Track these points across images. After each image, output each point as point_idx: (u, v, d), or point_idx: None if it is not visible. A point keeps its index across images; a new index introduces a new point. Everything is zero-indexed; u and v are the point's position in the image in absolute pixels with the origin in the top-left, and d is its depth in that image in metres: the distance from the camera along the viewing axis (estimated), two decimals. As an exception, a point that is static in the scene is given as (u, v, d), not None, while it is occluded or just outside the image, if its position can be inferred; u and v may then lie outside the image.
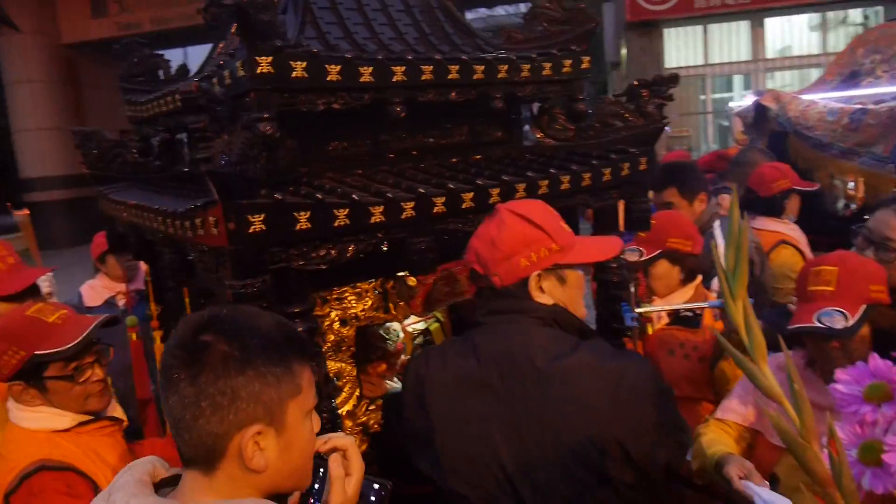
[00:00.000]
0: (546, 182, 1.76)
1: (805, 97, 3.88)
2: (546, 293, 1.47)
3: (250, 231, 1.31)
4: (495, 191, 1.66)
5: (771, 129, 4.01)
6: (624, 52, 13.08)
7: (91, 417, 1.88)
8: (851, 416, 0.58)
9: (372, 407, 1.77)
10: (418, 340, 2.54)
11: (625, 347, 2.02)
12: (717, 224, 2.93)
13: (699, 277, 2.50)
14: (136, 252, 2.21)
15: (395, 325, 2.27)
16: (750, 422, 1.86)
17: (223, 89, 1.57)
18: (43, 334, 1.82)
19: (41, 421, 1.82)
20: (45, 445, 1.78)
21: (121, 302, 3.47)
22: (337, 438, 1.13)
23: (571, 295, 1.49)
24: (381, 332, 2.16)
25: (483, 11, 23.36)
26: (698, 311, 2.39)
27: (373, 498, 1.24)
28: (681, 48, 12.91)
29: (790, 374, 0.53)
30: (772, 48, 13.19)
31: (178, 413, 0.97)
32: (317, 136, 1.70)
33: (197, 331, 0.99)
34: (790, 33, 13.15)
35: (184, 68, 2.41)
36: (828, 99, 3.68)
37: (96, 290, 3.56)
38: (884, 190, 3.04)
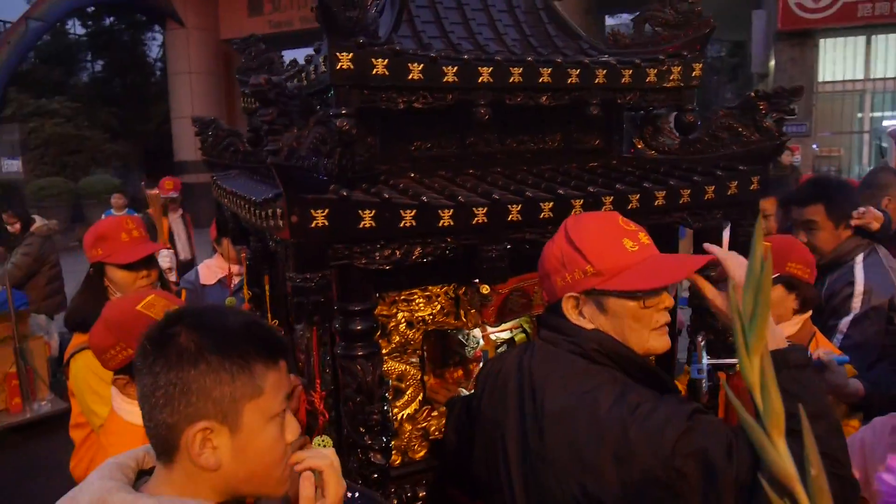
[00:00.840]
0: (637, 196, 1.64)
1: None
2: (587, 319, 1.36)
3: (312, 226, 1.31)
4: (578, 202, 1.56)
5: None
6: (772, 63, 12.25)
7: None
8: (898, 515, 0.46)
9: (434, 413, 1.72)
10: (502, 349, 2.47)
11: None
12: (859, 258, 2.64)
13: (809, 311, 2.26)
14: (234, 237, 2.29)
15: (476, 332, 2.21)
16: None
17: (307, 84, 1.58)
18: None
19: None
20: (146, 440, 1.82)
21: (234, 281, 3.67)
22: (312, 459, 1.08)
23: (620, 325, 1.33)
24: (461, 338, 2.11)
25: (625, 17, 22.77)
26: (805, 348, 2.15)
27: None
28: (837, 60, 11.90)
29: (809, 456, 0.43)
30: (946, 64, 11.87)
31: (141, 401, 1.00)
32: (399, 136, 1.68)
33: (168, 323, 1.01)
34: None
35: (294, 63, 2.48)
36: None
37: (211, 269, 3.78)
38: None
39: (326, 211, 1.32)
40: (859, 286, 2.54)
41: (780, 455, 0.45)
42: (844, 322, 2.52)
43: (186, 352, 0.97)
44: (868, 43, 11.81)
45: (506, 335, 2.46)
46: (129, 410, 1.82)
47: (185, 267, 4.95)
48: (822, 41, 11.75)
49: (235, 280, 3.63)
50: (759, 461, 1.10)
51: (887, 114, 12.84)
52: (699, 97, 2.03)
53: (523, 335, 2.47)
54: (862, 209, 2.77)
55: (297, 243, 1.32)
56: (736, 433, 1.15)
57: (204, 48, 18.06)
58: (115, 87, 22.82)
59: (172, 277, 3.98)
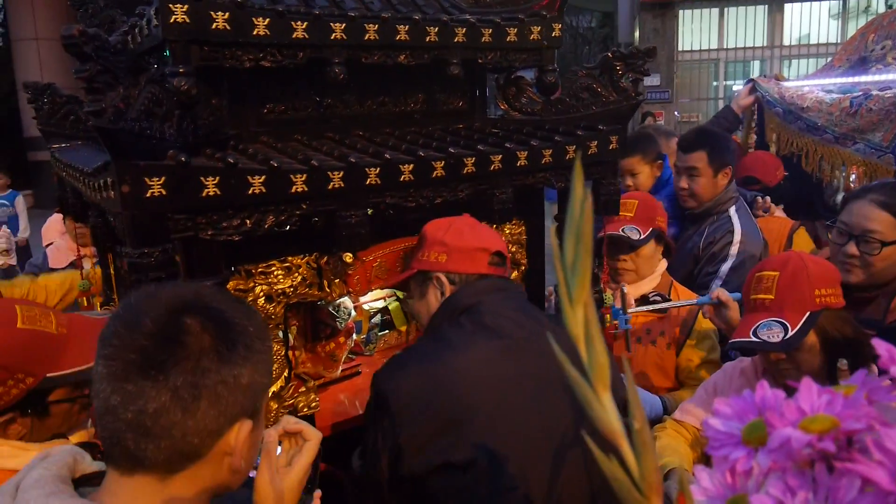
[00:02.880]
0: (499, 157, 1.62)
1: (808, 82, 3.70)
2: None
3: (148, 195, 1.19)
4: (439, 164, 1.52)
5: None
6: (637, 34, 12.79)
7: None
8: (722, 462, 0.45)
9: (303, 389, 1.65)
10: (376, 319, 2.42)
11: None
12: (733, 209, 2.78)
13: (665, 262, 2.38)
14: (75, 214, 2.09)
15: (347, 303, 2.15)
16: None
17: (141, 41, 1.43)
18: (52, 351, 1.37)
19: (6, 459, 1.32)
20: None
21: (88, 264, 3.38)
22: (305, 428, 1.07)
23: None
24: (331, 309, 2.04)
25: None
26: (666, 296, 2.26)
27: None
28: (695, 31, 12.60)
29: (633, 412, 0.40)
30: (790, 35, 12.86)
31: (154, 408, 0.81)
32: (250, 97, 1.57)
33: (176, 321, 0.84)
34: (810, 20, 12.80)
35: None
36: (833, 85, 3.50)
37: (62, 251, 3.47)
38: (882, 182, 2.87)
39: (163, 179, 1.20)
40: (738, 234, 2.69)
41: (606, 409, 0.42)
42: (724, 268, 2.65)
43: (228, 344, 0.85)
44: (721, 15, 12.57)
45: (379, 304, 2.41)
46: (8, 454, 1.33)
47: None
48: (681, 12, 12.38)
49: (91, 262, 3.36)
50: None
51: (739, 81, 13.81)
52: (570, 65, 2.06)
53: (397, 303, 2.43)
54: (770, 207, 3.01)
55: (131, 215, 1.20)
56: None
57: (52, 11, 16.48)
58: (-53, 55, 20.46)
59: (12, 261, 3.62)
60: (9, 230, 3.59)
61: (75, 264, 3.38)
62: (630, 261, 2.30)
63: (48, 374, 1.34)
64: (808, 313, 1.53)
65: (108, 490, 0.87)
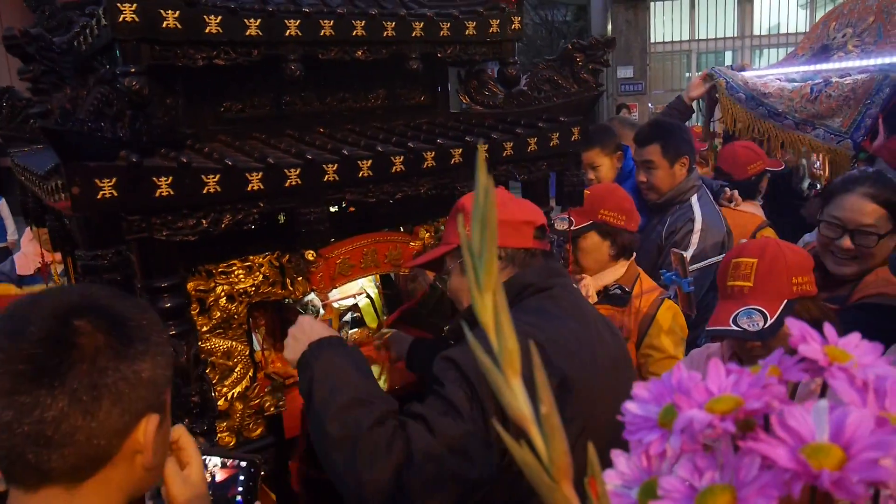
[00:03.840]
0: (459, 151, 1.62)
1: (771, 71, 3.75)
2: None
3: (99, 197, 1.17)
4: (398, 159, 1.52)
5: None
6: (610, 26, 12.85)
7: None
8: (638, 446, 0.45)
9: (268, 388, 1.64)
10: (346, 318, 2.42)
11: None
12: (695, 198, 2.80)
13: (633, 256, 2.37)
14: (36, 219, 2.06)
15: (315, 300, 2.14)
16: None
17: (92, 41, 1.41)
18: None
19: None
20: None
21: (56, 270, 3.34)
22: (180, 433, 1.01)
23: None
24: (299, 308, 2.03)
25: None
26: (627, 289, 2.26)
27: (242, 477, 1.16)
28: (667, 23, 12.70)
29: (541, 396, 0.40)
30: (760, 25, 13.00)
31: (52, 416, 0.78)
32: (206, 96, 1.55)
33: (67, 322, 0.81)
34: (779, 10, 12.95)
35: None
36: (796, 73, 3.54)
37: (29, 258, 3.42)
38: (842, 166, 2.92)
39: (114, 180, 1.18)
40: (698, 223, 2.71)
41: (516, 395, 0.43)
42: (685, 256, 2.67)
43: (124, 340, 0.83)
44: (693, 6, 12.67)
45: (349, 302, 2.41)
46: None
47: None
48: (653, 4, 12.46)
49: (60, 268, 3.31)
50: None
51: (712, 72, 13.93)
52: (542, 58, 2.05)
53: (368, 301, 2.42)
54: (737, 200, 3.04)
55: (82, 217, 1.19)
56: None
57: (17, 13, 16.18)
58: (-88, 59, 20.02)
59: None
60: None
61: (41, 271, 3.34)
62: (570, 251, 2.29)
63: None
64: (785, 301, 1.55)
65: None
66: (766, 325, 1.50)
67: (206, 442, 1.37)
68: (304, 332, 1.42)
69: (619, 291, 2.25)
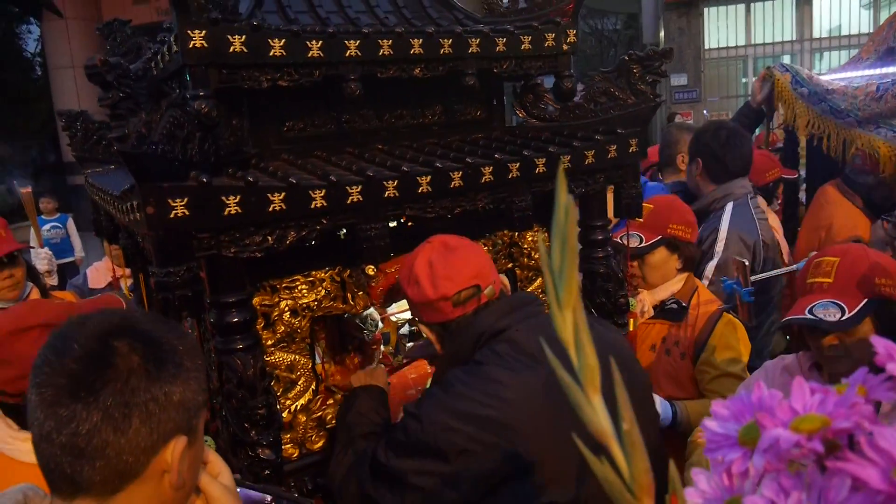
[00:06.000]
0: (517, 165, 1.63)
1: (835, 75, 3.63)
2: None
3: (172, 216, 1.22)
4: (457, 174, 1.53)
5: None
6: (662, 34, 12.68)
7: None
8: (719, 464, 0.45)
9: (330, 401, 1.67)
10: (404, 330, 2.44)
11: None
12: (728, 206, 2.75)
13: (692, 269, 2.34)
14: (108, 236, 2.15)
15: (374, 314, 2.17)
16: None
17: (163, 67, 1.48)
18: None
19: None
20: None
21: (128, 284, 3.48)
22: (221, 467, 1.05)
23: None
24: (358, 321, 2.06)
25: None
26: (684, 304, 2.22)
27: None
28: (721, 28, 12.44)
29: (623, 413, 0.40)
30: (820, 27, 12.62)
31: (86, 429, 0.83)
32: (270, 117, 1.60)
33: (106, 340, 0.87)
34: (840, 11, 12.55)
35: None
36: (860, 78, 3.42)
37: (100, 272, 3.57)
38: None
39: (186, 199, 1.23)
40: (723, 231, 2.67)
41: (596, 412, 0.43)
42: (709, 267, 2.63)
43: (157, 363, 0.87)
44: (748, 10, 12.40)
45: (407, 315, 2.43)
46: (22, 449, 1.50)
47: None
48: (706, 10, 12.25)
49: (129, 282, 3.44)
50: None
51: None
52: (597, 69, 2.05)
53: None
54: None
55: (156, 236, 1.24)
56: None
57: (87, 40, 16.93)
58: (-12, 86, 21.16)
59: (53, 281, 3.74)
60: (51, 252, 3.71)
61: (112, 284, 3.48)
62: (636, 267, 2.27)
63: None
64: (866, 299, 1.51)
65: None
66: (845, 318, 1.46)
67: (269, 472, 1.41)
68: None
69: (675, 306, 2.21)
